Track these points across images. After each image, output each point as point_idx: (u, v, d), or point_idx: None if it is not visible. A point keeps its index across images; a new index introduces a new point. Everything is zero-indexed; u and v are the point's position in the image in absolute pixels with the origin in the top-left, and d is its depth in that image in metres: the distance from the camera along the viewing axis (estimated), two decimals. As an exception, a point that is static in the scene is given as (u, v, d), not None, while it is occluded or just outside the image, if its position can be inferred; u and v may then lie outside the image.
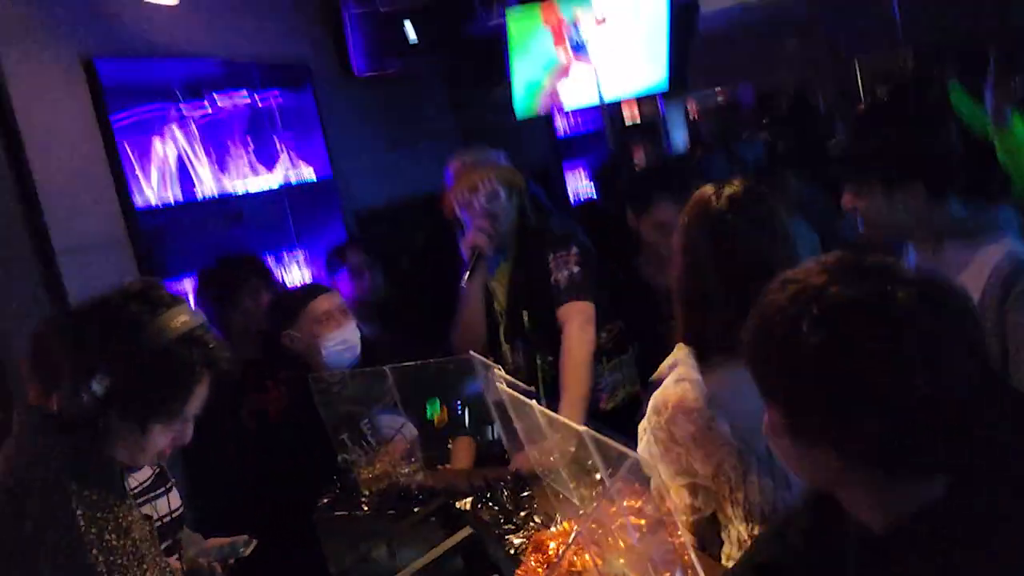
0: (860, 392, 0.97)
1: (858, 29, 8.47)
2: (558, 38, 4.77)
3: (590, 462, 1.51)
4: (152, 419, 1.51)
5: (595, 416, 2.53)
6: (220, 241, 3.43)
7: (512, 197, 2.84)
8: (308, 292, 2.76)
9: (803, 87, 10.03)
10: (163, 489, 2.24)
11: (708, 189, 1.73)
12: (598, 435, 1.39)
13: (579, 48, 4.86)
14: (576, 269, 2.73)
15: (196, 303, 3.07)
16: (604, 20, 4.91)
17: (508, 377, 1.83)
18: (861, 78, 10.44)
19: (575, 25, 4.79)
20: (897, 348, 0.96)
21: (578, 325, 2.64)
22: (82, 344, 1.48)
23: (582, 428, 1.42)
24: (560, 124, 6.91)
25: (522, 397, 1.80)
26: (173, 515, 2.23)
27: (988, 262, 1.75)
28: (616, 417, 2.66)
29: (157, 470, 2.24)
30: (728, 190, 1.70)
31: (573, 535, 1.63)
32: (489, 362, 1.97)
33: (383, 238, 4.04)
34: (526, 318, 2.80)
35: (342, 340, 2.66)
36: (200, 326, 1.56)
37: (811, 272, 1.03)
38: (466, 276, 2.77)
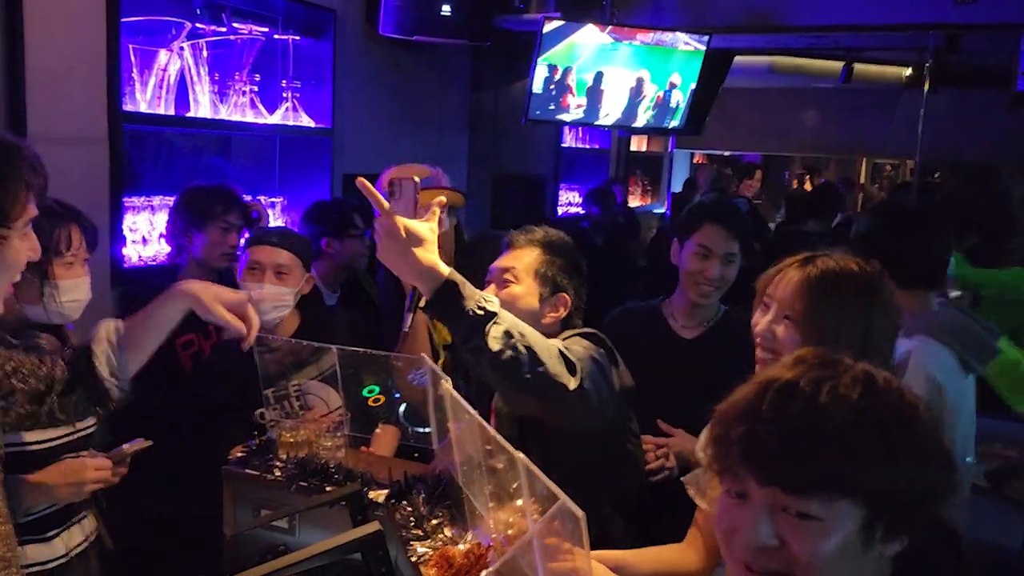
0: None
1: (875, 128, 8.57)
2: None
3: (515, 486, 1.46)
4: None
5: None
6: (200, 168, 3.33)
7: (451, 217, 2.63)
8: (256, 237, 2.67)
9: (811, 163, 10.14)
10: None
11: (852, 262, 1.68)
12: (532, 466, 1.34)
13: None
14: None
15: (170, 217, 2.95)
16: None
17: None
18: (864, 171, 10.62)
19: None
20: None
21: None
22: None
23: (519, 455, 1.38)
24: (567, 135, 6.91)
25: (466, 405, 1.75)
26: (86, 431, 2.17)
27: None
28: None
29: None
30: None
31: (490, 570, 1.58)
32: (440, 371, 1.90)
33: (363, 207, 3.96)
34: None
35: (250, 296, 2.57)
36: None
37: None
38: (410, 319, 2.39)
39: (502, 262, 2.14)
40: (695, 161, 10.69)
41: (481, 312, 1.65)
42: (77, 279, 2.08)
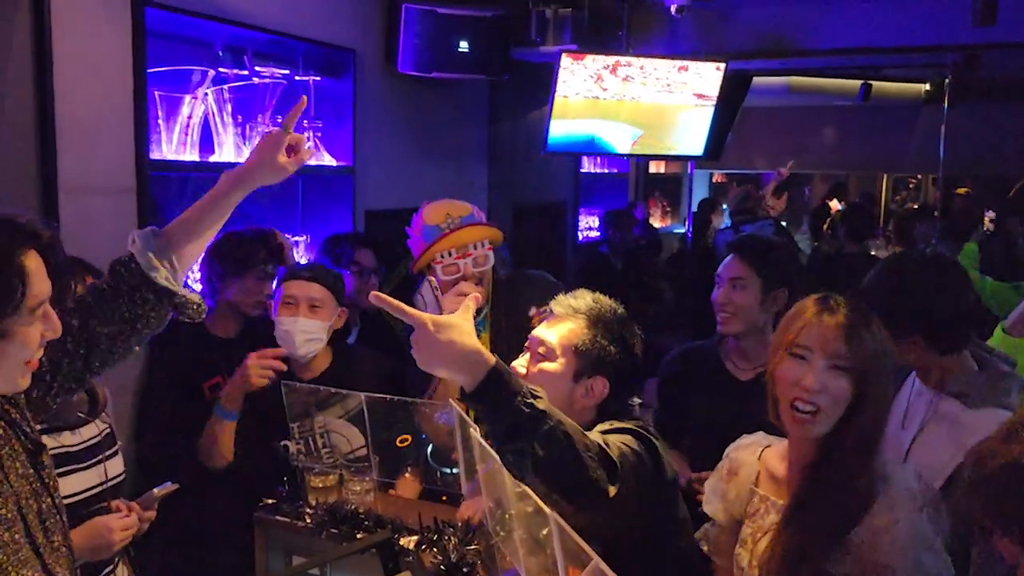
0: None
1: (895, 145, 8.54)
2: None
3: (544, 532, 1.46)
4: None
5: None
6: (226, 210, 3.36)
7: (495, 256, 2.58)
8: (290, 272, 2.73)
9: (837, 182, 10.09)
10: (111, 451, 2.21)
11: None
12: (565, 524, 1.34)
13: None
14: None
15: (205, 262, 2.95)
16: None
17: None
18: (884, 188, 10.55)
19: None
20: None
21: None
22: None
23: (550, 512, 1.37)
24: (585, 161, 6.93)
25: (492, 452, 1.75)
26: (116, 480, 2.19)
27: (981, 429, 1.69)
28: None
29: (107, 431, 2.20)
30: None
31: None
32: (468, 418, 1.90)
33: (386, 243, 3.99)
34: None
35: (285, 330, 2.60)
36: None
37: None
38: None
39: (541, 332, 1.95)
40: (715, 180, 10.67)
41: (528, 410, 1.46)
42: None
